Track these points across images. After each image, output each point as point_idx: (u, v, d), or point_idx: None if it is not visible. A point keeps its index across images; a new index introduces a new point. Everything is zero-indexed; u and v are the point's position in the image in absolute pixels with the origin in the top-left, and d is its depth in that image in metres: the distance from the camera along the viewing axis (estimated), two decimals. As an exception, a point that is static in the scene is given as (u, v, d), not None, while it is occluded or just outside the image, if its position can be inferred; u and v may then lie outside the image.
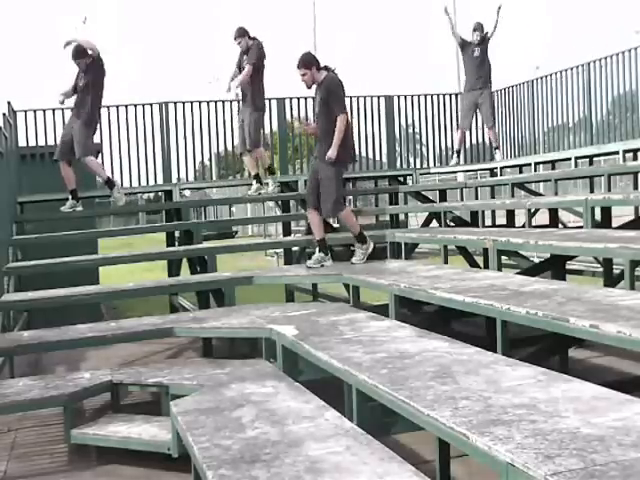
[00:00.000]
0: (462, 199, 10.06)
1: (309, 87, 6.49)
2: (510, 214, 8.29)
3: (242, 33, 8.79)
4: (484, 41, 10.31)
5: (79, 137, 8.38)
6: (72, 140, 8.37)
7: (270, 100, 10.50)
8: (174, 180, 10.50)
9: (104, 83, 8.51)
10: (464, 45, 10.53)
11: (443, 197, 10.07)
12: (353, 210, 8.08)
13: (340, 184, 6.67)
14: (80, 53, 8.33)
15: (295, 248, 9.34)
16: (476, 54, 10.33)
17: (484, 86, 10.40)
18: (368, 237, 6.75)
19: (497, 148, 10.72)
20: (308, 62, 6.37)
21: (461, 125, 10.97)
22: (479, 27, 10.33)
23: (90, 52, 8.33)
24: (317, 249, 6.66)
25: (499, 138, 11.11)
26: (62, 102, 8.68)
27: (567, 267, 6.00)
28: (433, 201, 10.09)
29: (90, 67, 8.38)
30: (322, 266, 6.52)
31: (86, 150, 8.44)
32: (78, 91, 8.47)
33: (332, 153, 6.30)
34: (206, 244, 9.11)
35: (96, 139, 9.61)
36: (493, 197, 9.54)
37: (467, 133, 11.19)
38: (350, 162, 6.97)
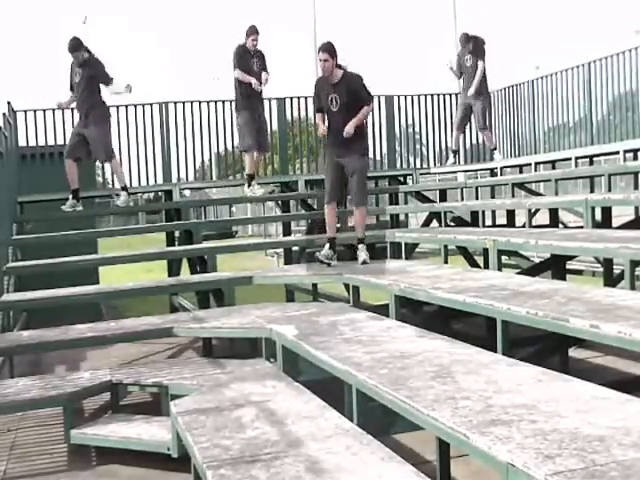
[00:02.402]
0: (462, 199, 10.04)
1: (327, 74, 6.46)
2: (510, 214, 8.29)
3: (251, 32, 8.81)
4: (474, 50, 10.31)
5: (99, 141, 8.33)
6: (83, 141, 8.34)
7: (270, 100, 10.53)
8: (174, 180, 10.50)
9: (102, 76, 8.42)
10: (459, 60, 10.56)
11: (443, 197, 10.06)
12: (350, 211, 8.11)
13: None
14: (77, 46, 8.22)
15: (295, 248, 9.34)
16: (468, 63, 10.38)
17: (477, 91, 10.36)
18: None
19: (494, 149, 10.73)
20: (333, 51, 6.43)
21: (455, 126, 11.02)
22: (464, 39, 10.39)
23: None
24: (327, 245, 6.63)
25: (499, 138, 11.11)
26: (59, 107, 8.66)
27: (567, 267, 5.99)
28: (433, 201, 10.08)
29: (87, 61, 8.29)
30: (329, 265, 6.52)
31: (110, 153, 8.47)
32: (77, 89, 8.36)
33: (350, 128, 6.39)
34: (206, 244, 9.11)
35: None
36: (493, 197, 9.54)
37: (466, 133, 11.20)
38: None
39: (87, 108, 8.37)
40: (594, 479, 2.00)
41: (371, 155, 11.61)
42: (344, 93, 6.44)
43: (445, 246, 6.68)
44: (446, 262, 6.60)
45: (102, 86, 8.42)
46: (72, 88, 8.42)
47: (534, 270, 6.04)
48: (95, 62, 8.35)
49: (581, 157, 9.54)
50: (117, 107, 10.12)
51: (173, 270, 9.30)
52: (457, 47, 11.29)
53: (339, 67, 6.50)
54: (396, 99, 11.53)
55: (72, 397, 4.68)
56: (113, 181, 9.56)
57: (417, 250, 9.88)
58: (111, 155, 8.60)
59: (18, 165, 9.65)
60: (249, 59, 8.82)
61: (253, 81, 8.72)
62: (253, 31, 8.83)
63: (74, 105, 8.62)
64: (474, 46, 10.31)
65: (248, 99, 8.90)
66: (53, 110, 9.62)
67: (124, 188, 8.77)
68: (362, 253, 6.60)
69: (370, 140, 11.27)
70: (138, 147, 10.29)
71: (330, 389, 3.71)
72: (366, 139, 6.95)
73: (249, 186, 9.20)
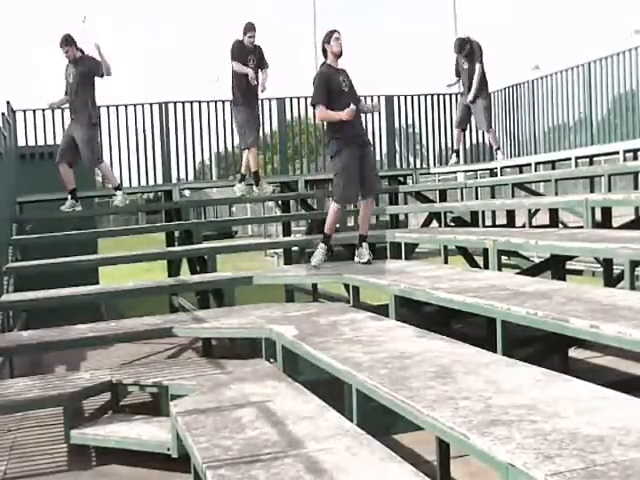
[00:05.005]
0: (462, 199, 10.05)
1: (342, 52, 6.55)
2: (510, 214, 8.28)
3: (247, 29, 8.79)
4: (471, 54, 10.34)
5: (87, 144, 8.23)
6: (74, 143, 8.29)
7: (270, 100, 10.53)
8: (174, 180, 10.50)
9: (95, 77, 8.32)
10: (456, 65, 10.58)
11: (443, 197, 10.06)
12: (351, 210, 8.13)
13: None
14: (69, 40, 8.12)
15: (295, 248, 9.34)
16: (465, 66, 10.42)
17: (476, 93, 10.40)
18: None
19: (498, 149, 10.74)
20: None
21: (455, 125, 11.05)
22: (459, 44, 10.39)
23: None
24: (322, 244, 6.53)
25: (499, 138, 11.12)
26: (51, 107, 8.62)
27: (567, 267, 5.99)
28: (433, 201, 10.08)
29: (80, 58, 8.22)
30: (325, 260, 6.51)
31: (96, 159, 8.41)
32: (69, 89, 8.29)
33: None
34: (206, 244, 9.11)
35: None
36: (493, 197, 9.53)
37: (466, 133, 11.21)
38: None
39: (77, 108, 8.27)
40: (594, 479, 2.00)
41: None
42: (347, 78, 6.58)
43: (445, 246, 6.68)
44: (446, 262, 6.60)
45: (97, 79, 8.31)
46: (67, 92, 8.39)
47: (534, 270, 6.04)
48: (88, 58, 8.28)
49: (581, 157, 9.54)
50: (117, 107, 10.13)
51: (173, 270, 9.31)
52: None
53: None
54: (396, 99, 11.54)
55: (72, 397, 4.68)
56: (106, 182, 9.55)
57: (417, 250, 9.89)
58: (97, 161, 8.49)
59: (18, 165, 9.65)
60: (245, 55, 8.76)
61: (250, 72, 8.59)
62: (249, 28, 8.77)
63: (67, 106, 8.59)
64: (470, 50, 10.32)
65: (244, 95, 8.80)
66: (52, 110, 9.61)
67: (118, 188, 8.75)
68: (365, 251, 6.52)
69: (370, 140, 11.33)
70: (138, 147, 10.29)
71: (330, 389, 3.71)
72: None
73: (257, 185, 9.16)
